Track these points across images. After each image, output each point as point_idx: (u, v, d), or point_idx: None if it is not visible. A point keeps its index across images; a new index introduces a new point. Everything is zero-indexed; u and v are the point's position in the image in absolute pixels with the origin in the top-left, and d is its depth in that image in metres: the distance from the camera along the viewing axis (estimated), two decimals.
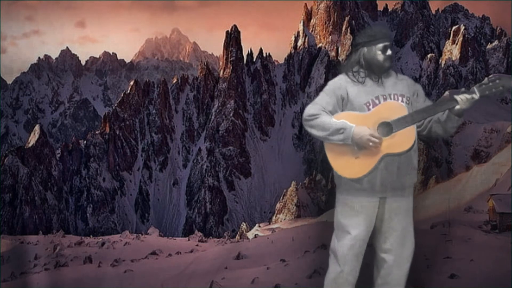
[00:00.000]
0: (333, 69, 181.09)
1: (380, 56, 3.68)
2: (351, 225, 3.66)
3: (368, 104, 3.63)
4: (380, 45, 3.67)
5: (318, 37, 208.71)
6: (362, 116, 3.59)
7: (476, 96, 3.49)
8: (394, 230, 3.71)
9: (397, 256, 3.73)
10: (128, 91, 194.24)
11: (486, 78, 3.54)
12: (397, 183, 3.63)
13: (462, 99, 3.50)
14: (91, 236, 53.06)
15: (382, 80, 3.73)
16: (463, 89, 3.55)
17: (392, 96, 3.67)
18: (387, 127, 3.53)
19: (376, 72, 3.71)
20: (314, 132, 3.58)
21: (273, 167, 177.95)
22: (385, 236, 3.73)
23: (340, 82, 3.72)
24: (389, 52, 3.69)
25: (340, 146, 3.58)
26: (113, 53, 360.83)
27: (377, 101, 3.64)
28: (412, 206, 3.78)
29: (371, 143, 3.47)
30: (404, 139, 3.55)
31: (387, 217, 3.70)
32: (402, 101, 3.68)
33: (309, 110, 3.61)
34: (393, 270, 3.75)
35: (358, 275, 3.75)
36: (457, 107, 3.53)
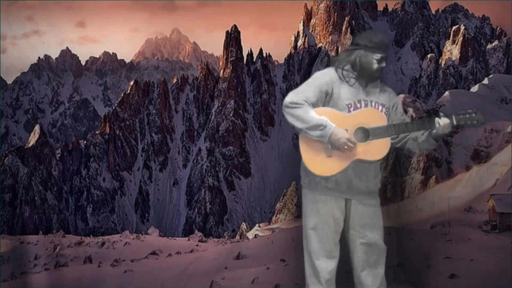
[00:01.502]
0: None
1: (374, 65, 3.67)
2: (316, 222, 3.70)
3: (349, 106, 3.64)
4: (378, 55, 3.66)
5: (318, 37, 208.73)
6: (343, 116, 3.61)
7: (453, 123, 3.59)
8: (357, 231, 3.73)
9: (361, 256, 3.73)
10: (128, 91, 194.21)
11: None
12: (363, 187, 3.68)
13: (441, 124, 3.57)
14: (91, 236, 53.02)
15: (368, 85, 3.74)
16: (441, 114, 3.64)
17: (373, 103, 3.70)
18: (364, 133, 3.58)
19: (365, 77, 3.71)
20: (292, 121, 3.57)
21: (273, 167, 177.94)
22: (351, 237, 3.76)
23: (328, 77, 3.71)
24: (383, 64, 3.69)
25: (314, 141, 3.59)
26: (113, 53, 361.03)
27: (358, 105, 3.65)
28: (378, 202, 3.80)
29: (346, 147, 3.50)
30: (379, 149, 3.61)
31: (352, 218, 3.73)
32: (382, 110, 3.71)
33: (293, 97, 3.59)
34: (357, 269, 3.76)
35: (335, 272, 3.74)
36: (434, 131, 3.61)
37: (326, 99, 3.66)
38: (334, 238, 3.70)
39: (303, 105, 3.55)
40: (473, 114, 3.57)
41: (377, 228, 3.74)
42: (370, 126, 3.58)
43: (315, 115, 3.53)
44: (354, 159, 3.57)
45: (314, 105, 3.60)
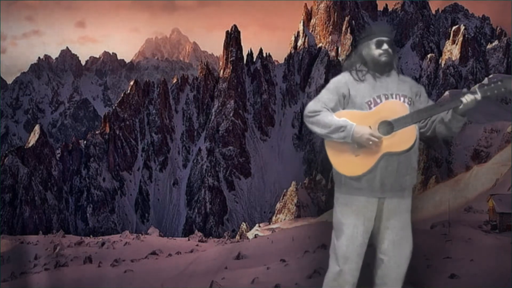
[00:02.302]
0: (333, 69, 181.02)
1: (375, 51, 3.69)
2: (349, 224, 3.67)
3: (369, 103, 3.63)
4: (374, 40, 3.70)
5: (318, 37, 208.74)
6: (364, 114, 3.59)
7: (478, 96, 3.50)
8: (391, 231, 3.70)
9: (394, 257, 3.72)
10: (128, 91, 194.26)
11: (486, 79, 3.56)
12: (396, 184, 3.63)
13: (467, 99, 3.50)
14: (91, 236, 53.00)
15: (384, 79, 3.73)
16: (465, 90, 3.58)
17: (394, 96, 3.68)
18: (388, 126, 3.54)
19: (373, 68, 3.71)
20: (315, 128, 3.59)
21: (273, 167, 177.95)
22: (383, 237, 3.73)
23: (342, 80, 3.73)
24: (385, 46, 3.69)
25: (340, 144, 3.58)
26: (113, 53, 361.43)
27: (378, 100, 3.64)
28: (410, 207, 3.77)
29: (371, 142, 3.48)
30: (405, 139, 3.56)
31: (385, 217, 3.70)
32: (404, 101, 3.67)
33: (311, 106, 3.62)
34: (390, 270, 3.74)
35: (358, 275, 3.73)
36: (461, 107, 3.53)
37: (344, 101, 3.67)
38: (365, 241, 3.69)
39: (322, 111, 3.58)
40: (499, 82, 3.44)
41: (406, 229, 3.73)
42: (393, 118, 3.55)
43: (335, 118, 3.54)
44: (382, 153, 3.54)
45: (333, 110, 3.62)
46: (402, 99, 3.68)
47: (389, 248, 3.72)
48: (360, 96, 3.65)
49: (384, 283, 3.78)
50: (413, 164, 3.69)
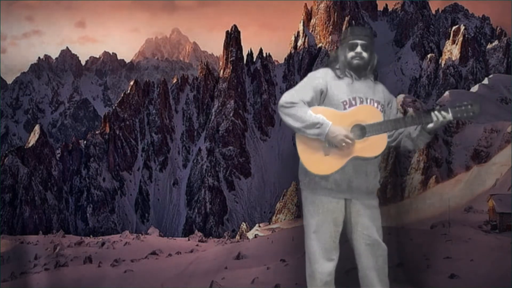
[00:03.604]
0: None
1: (347, 53, 3.70)
2: (317, 224, 3.66)
3: (345, 103, 3.63)
4: (350, 42, 3.69)
5: (318, 37, 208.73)
6: (339, 114, 3.59)
7: (449, 116, 3.55)
8: (359, 233, 3.69)
9: (369, 258, 3.69)
10: (128, 91, 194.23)
11: (459, 102, 3.61)
12: (363, 187, 3.65)
13: (438, 116, 3.54)
14: (91, 236, 53.05)
15: (360, 83, 3.73)
16: (438, 107, 3.60)
17: (368, 100, 3.68)
18: (361, 130, 3.55)
19: (342, 69, 3.72)
20: (289, 120, 3.56)
21: (273, 167, 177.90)
22: (354, 238, 3.72)
23: (322, 75, 3.72)
24: (358, 49, 3.67)
25: (311, 140, 3.59)
26: (113, 53, 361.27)
27: (353, 102, 3.64)
28: (378, 206, 3.77)
29: (344, 144, 3.48)
30: (376, 145, 3.58)
31: (354, 219, 3.69)
32: (377, 107, 3.69)
33: (288, 97, 3.58)
34: (369, 272, 3.71)
35: (333, 275, 3.71)
36: (430, 125, 3.57)
37: (321, 97, 3.66)
38: (334, 240, 3.68)
39: (298, 104, 3.54)
40: (469, 106, 3.54)
41: (378, 229, 3.71)
42: (367, 122, 3.56)
43: (312, 113, 3.52)
44: (352, 156, 3.55)
45: (309, 104, 3.59)
46: (375, 104, 3.69)
47: (362, 250, 3.70)
48: (336, 95, 3.64)
49: (366, 284, 3.75)
50: (377, 169, 3.74)
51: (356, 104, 3.63)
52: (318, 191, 3.66)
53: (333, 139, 3.48)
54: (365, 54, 3.68)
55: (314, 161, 3.60)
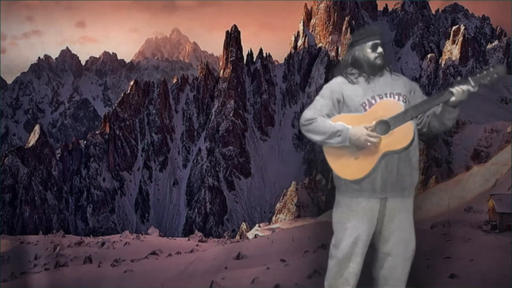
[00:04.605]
0: (333, 69, 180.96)
1: (370, 54, 3.69)
2: (352, 227, 3.64)
3: (364, 105, 3.62)
4: (370, 43, 3.69)
5: (318, 37, 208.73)
6: (359, 116, 3.57)
7: (472, 87, 3.45)
8: (395, 232, 3.68)
9: (398, 257, 3.70)
10: (128, 91, 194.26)
11: (479, 69, 3.51)
12: (397, 184, 3.61)
13: (458, 90, 3.47)
14: (91, 236, 53.03)
15: (377, 80, 3.71)
16: (458, 79, 3.52)
17: (388, 95, 3.66)
18: (385, 125, 3.51)
19: (367, 71, 3.70)
20: (312, 136, 3.57)
21: (273, 167, 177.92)
22: (386, 238, 3.71)
23: (335, 85, 3.72)
24: (379, 49, 3.69)
25: (339, 148, 3.55)
26: (113, 53, 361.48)
27: (373, 101, 3.63)
28: (412, 207, 3.75)
29: (369, 143, 3.45)
30: (403, 136, 3.53)
31: (388, 218, 3.67)
32: (398, 99, 3.66)
33: (306, 114, 3.60)
34: (394, 270, 3.72)
35: (359, 277, 3.72)
36: (453, 98, 3.49)
37: (339, 106, 3.66)
38: (367, 242, 3.68)
39: (317, 118, 3.56)
40: (491, 69, 3.42)
41: (409, 229, 3.71)
42: (388, 116, 3.52)
43: (331, 123, 3.52)
44: (381, 153, 3.51)
45: (328, 116, 3.60)
46: (396, 97, 3.66)
47: (393, 249, 3.70)
48: (354, 99, 3.63)
49: (387, 283, 3.77)
50: (413, 163, 3.66)
51: (376, 102, 3.62)
52: (352, 194, 3.64)
53: (357, 141, 3.45)
54: (384, 52, 3.71)
55: (346, 168, 3.56)
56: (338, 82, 3.73)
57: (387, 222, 3.68)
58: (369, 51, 3.69)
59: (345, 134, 3.47)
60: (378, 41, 3.68)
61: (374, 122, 3.51)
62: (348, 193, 3.65)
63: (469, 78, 3.46)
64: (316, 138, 3.56)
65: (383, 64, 3.70)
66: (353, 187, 3.61)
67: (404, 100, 3.66)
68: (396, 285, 3.75)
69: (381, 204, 3.65)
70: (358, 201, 3.63)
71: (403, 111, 3.53)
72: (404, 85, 3.75)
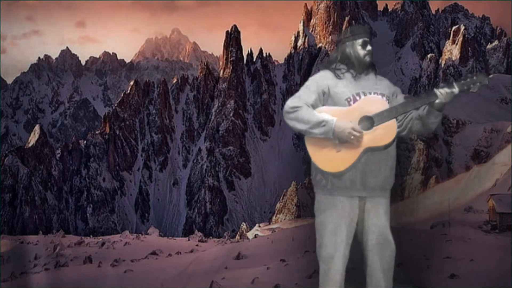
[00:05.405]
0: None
1: (360, 51, 3.73)
2: (332, 225, 3.66)
3: (349, 100, 3.64)
4: (360, 40, 3.73)
5: (318, 37, 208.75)
6: (344, 110, 3.59)
7: (456, 90, 3.54)
8: (373, 231, 3.70)
9: (377, 256, 3.71)
10: (128, 91, 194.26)
11: (464, 75, 3.60)
12: (377, 183, 3.64)
13: (442, 93, 3.53)
14: (91, 236, 53.06)
15: (363, 78, 3.76)
16: (442, 84, 3.58)
17: (372, 94, 3.70)
18: (369, 121, 3.53)
19: (356, 67, 3.74)
20: (295, 124, 3.56)
21: (273, 167, 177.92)
22: (366, 237, 3.73)
23: (322, 77, 3.75)
24: (369, 47, 3.74)
25: (321, 140, 3.56)
26: (113, 53, 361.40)
27: (358, 97, 3.65)
28: (389, 209, 3.77)
29: (352, 137, 3.46)
30: (386, 133, 3.56)
31: (366, 217, 3.70)
32: (382, 98, 3.71)
33: (291, 102, 3.59)
34: (376, 271, 3.73)
35: (344, 275, 3.72)
36: (437, 101, 3.55)
37: (324, 98, 3.67)
38: (348, 241, 3.68)
39: (302, 107, 3.55)
40: (474, 77, 3.53)
41: (388, 229, 3.73)
42: (373, 113, 3.55)
43: (316, 113, 3.54)
44: (364, 148, 3.53)
45: (313, 106, 3.60)
46: (380, 97, 3.70)
47: (373, 248, 3.71)
48: (339, 93, 3.66)
49: (371, 282, 3.78)
50: (392, 165, 3.71)
51: (361, 98, 3.65)
52: (334, 192, 3.65)
53: (341, 134, 3.46)
54: (372, 50, 3.76)
55: (327, 160, 3.57)
56: (324, 75, 3.76)
57: (366, 222, 3.70)
58: (359, 48, 3.73)
59: (330, 125, 3.47)
60: (367, 39, 3.74)
61: (359, 117, 3.54)
62: (328, 191, 3.67)
63: (454, 83, 3.55)
64: (299, 127, 3.55)
65: (372, 62, 3.76)
66: (333, 181, 3.62)
67: (387, 101, 3.71)
68: (377, 285, 3.75)
69: (360, 204, 3.68)
70: (338, 200, 3.65)
71: (388, 108, 3.58)
72: (388, 87, 3.82)
